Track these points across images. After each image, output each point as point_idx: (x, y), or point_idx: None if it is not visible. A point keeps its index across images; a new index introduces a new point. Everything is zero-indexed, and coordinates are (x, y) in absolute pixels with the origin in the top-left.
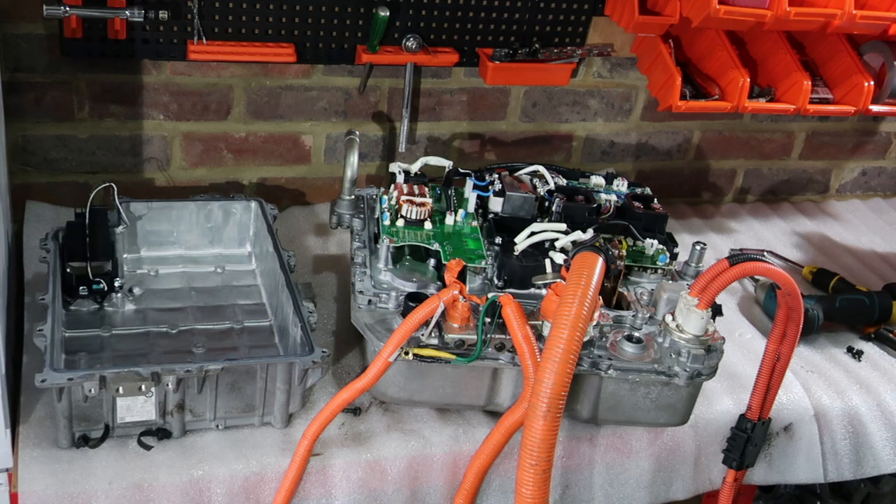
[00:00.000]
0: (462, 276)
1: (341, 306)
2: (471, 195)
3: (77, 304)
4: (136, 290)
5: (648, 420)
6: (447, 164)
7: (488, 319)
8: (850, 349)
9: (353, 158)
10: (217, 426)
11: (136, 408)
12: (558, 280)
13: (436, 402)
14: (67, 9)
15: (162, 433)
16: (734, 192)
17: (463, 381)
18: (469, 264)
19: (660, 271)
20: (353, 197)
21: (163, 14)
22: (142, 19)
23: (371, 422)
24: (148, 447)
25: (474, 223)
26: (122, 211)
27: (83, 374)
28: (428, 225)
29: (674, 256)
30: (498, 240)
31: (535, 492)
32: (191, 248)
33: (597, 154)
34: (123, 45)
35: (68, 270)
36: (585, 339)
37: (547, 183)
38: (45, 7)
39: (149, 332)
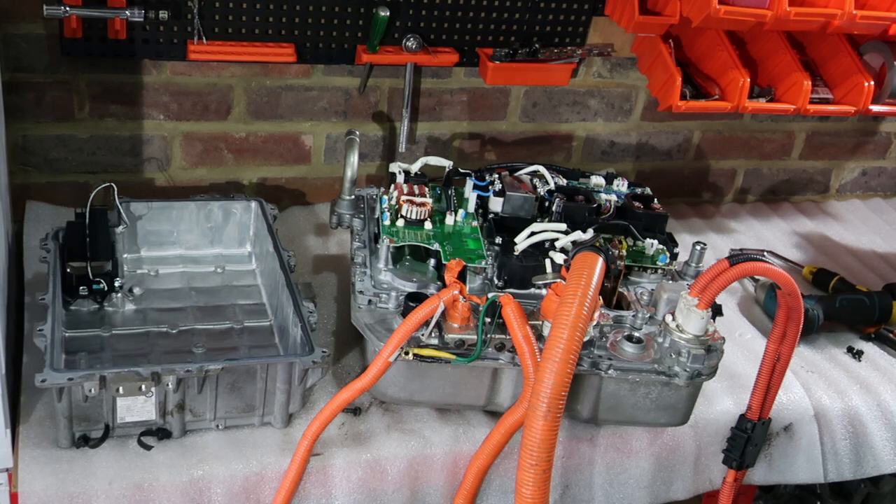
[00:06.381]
0: (462, 276)
1: (341, 306)
2: (471, 195)
3: (77, 304)
4: (136, 290)
5: (648, 420)
6: (447, 164)
7: (488, 319)
8: (850, 349)
9: (353, 158)
10: (217, 426)
11: (136, 408)
12: (558, 280)
13: (436, 402)
14: (67, 9)
15: (162, 433)
16: (734, 192)
17: (463, 381)
18: (469, 264)
19: (660, 271)
20: (353, 197)
21: (163, 14)
22: (142, 19)
23: (371, 422)
24: (148, 447)
25: (474, 223)
26: (122, 211)
27: (83, 374)
28: (428, 225)
29: (674, 256)
30: (498, 240)
31: (535, 492)
32: (191, 248)
33: (597, 154)
34: (123, 45)
35: (68, 270)
36: (585, 339)
37: (547, 183)
38: (45, 7)
39: (149, 332)
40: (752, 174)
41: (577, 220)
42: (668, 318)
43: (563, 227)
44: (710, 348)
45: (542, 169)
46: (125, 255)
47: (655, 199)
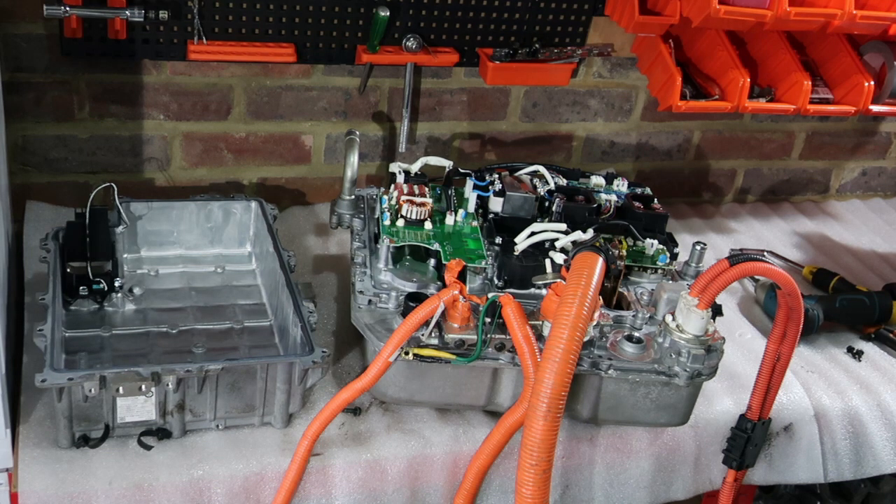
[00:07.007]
0: (462, 276)
1: (341, 306)
2: (471, 195)
3: (77, 304)
4: (136, 290)
5: (648, 420)
6: (447, 164)
7: (488, 319)
8: (850, 349)
9: (353, 158)
10: (217, 426)
11: (136, 408)
12: (558, 280)
13: (436, 402)
14: (67, 9)
15: (162, 433)
16: (734, 192)
17: (463, 381)
18: (469, 264)
19: (660, 271)
20: (353, 197)
21: (163, 14)
22: (142, 19)
23: (371, 422)
24: (148, 447)
25: (474, 223)
26: (122, 211)
27: (83, 374)
28: (428, 225)
29: (674, 256)
30: (498, 240)
31: (535, 492)
32: (191, 248)
33: (597, 154)
34: (123, 45)
35: (68, 270)
36: (585, 339)
37: (547, 183)
38: (45, 7)
39: (149, 332)
40: (752, 174)
41: (577, 220)
42: (668, 318)
43: (563, 227)
44: (710, 348)
45: (542, 169)
46: (125, 255)
47: (655, 199)
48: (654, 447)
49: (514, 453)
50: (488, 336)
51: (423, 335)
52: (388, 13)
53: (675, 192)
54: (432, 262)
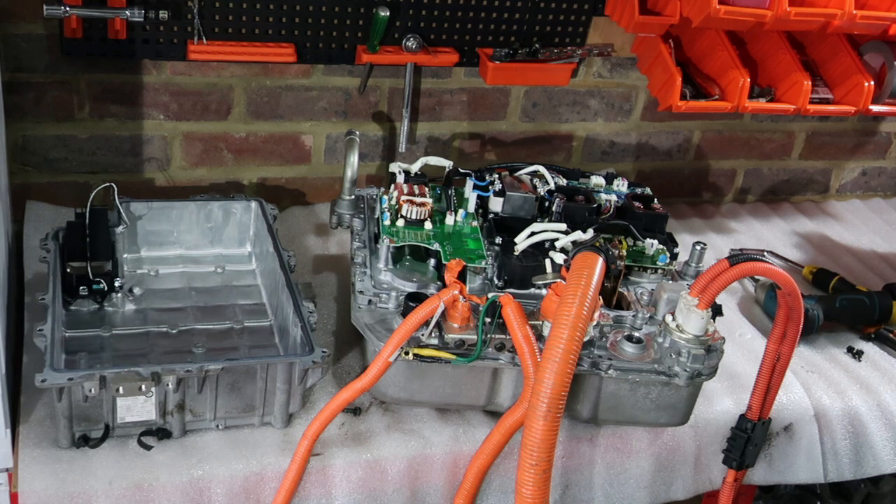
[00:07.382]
0: (462, 276)
1: (341, 306)
2: (471, 195)
3: (77, 304)
4: (137, 290)
5: (648, 420)
6: (447, 164)
7: (488, 319)
8: (850, 349)
9: (353, 158)
10: (217, 426)
11: (136, 408)
12: (558, 280)
13: (436, 402)
14: (67, 9)
15: (162, 433)
16: (734, 192)
17: (463, 381)
18: (469, 264)
19: (660, 271)
20: (353, 197)
21: (163, 14)
22: (142, 19)
23: (371, 422)
24: (148, 447)
25: (474, 223)
26: (122, 211)
27: (83, 374)
28: (428, 225)
29: (674, 256)
30: (498, 240)
31: (535, 492)
32: (191, 248)
33: (597, 154)
34: (123, 45)
35: (68, 270)
36: (585, 339)
37: (547, 183)
38: (45, 7)
39: (149, 332)
40: (752, 174)
41: (577, 220)
42: (668, 318)
43: (563, 227)
44: (710, 348)
45: (542, 169)
46: (125, 255)
47: (655, 199)
48: (654, 447)
49: (514, 453)
50: (488, 336)
51: (423, 335)
52: (388, 13)
53: (675, 192)
54: (432, 262)
